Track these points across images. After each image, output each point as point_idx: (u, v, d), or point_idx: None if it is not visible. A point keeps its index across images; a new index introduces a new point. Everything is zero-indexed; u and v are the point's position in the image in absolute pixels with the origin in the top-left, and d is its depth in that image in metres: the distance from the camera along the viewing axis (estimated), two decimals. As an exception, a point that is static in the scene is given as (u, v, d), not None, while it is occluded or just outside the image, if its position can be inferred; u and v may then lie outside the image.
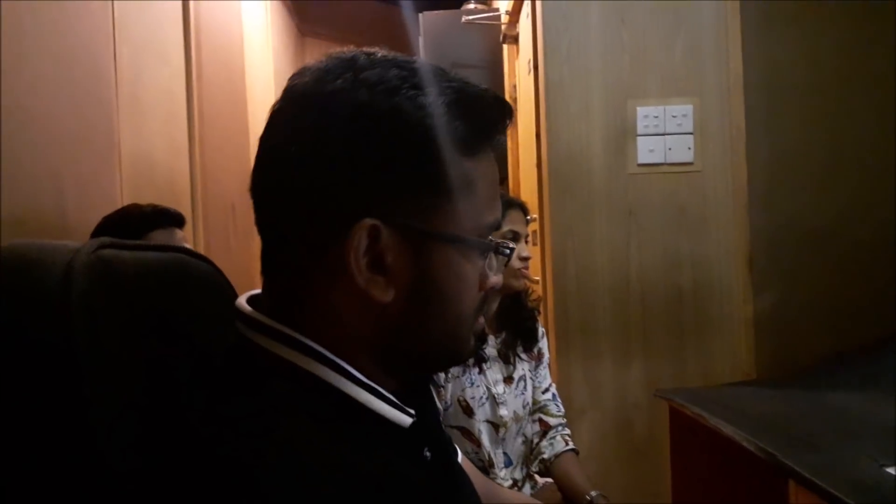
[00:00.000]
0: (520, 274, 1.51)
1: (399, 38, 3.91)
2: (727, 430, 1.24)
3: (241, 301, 0.61)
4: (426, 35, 3.10)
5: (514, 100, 2.92)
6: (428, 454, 0.62)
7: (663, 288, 2.01)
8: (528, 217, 2.19)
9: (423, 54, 3.12)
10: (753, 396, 1.47)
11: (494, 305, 1.57)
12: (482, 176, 0.60)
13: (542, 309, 2.11)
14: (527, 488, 1.57)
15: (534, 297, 1.66)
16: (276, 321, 0.57)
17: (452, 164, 0.57)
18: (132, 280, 0.62)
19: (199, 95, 2.13)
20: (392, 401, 0.58)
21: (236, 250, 2.42)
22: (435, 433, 0.68)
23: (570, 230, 2.02)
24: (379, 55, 0.59)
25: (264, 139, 0.59)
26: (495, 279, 0.63)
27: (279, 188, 0.58)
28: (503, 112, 0.62)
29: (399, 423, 0.58)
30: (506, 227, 1.51)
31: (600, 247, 2.01)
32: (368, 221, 0.55)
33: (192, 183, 2.09)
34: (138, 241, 0.72)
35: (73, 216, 1.35)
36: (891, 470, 1.00)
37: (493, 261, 0.63)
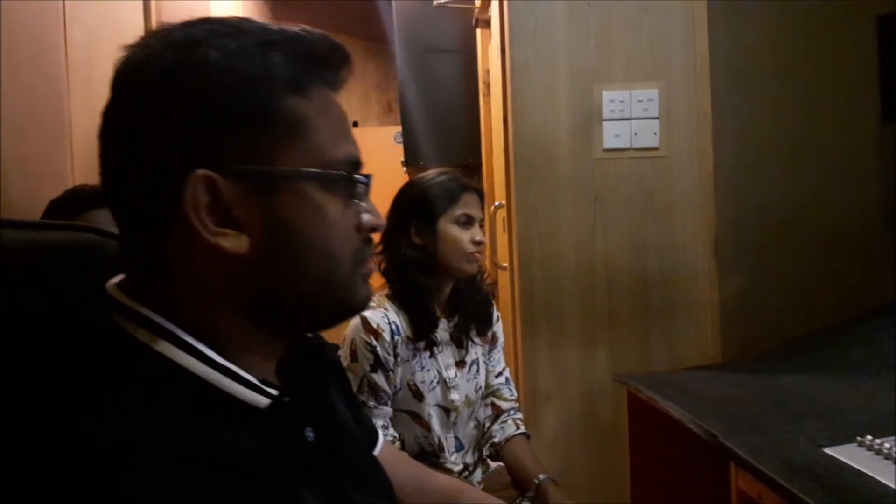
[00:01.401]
0: (472, 258, 1.50)
1: (375, 25, 3.88)
2: (676, 412, 1.24)
3: (112, 282, 0.60)
4: (399, 20, 3.08)
5: (488, 84, 2.90)
6: (311, 434, 0.61)
7: (629, 274, 2.00)
8: (498, 203, 2.19)
9: (396, 40, 3.10)
10: (709, 380, 1.47)
11: (447, 289, 1.55)
12: (318, 112, 0.60)
13: (511, 294, 2.10)
14: (478, 473, 1.56)
15: (489, 281, 1.65)
16: (134, 299, 0.56)
17: (275, 102, 0.57)
18: (15, 260, 0.61)
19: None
20: (247, 381, 0.56)
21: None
22: (325, 413, 0.67)
23: (535, 215, 2.00)
24: (194, 19, 0.60)
25: (100, 125, 0.59)
26: (372, 219, 0.63)
27: (114, 162, 0.58)
28: (329, 48, 0.62)
29: (254, 405, 0.56)
30: (460, 211, 1.50)
31: (566, 232, 2.00)
32: (200, 173, 0.54)
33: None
34: (42, 221, 0.71)
35: (16, 196, 1.33)
36: (828, 450, 0.99)
37: (362, 197, 0.63)
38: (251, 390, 0.56)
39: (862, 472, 0.90)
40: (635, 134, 2.00)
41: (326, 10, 3.96)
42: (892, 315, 1.52)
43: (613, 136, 2.00)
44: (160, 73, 0.56)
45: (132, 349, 0.54)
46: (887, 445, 0.96)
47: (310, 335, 0.70)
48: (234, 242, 0.56)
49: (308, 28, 0.61)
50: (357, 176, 0.62)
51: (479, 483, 1.51)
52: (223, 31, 0.57)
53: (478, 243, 1.49)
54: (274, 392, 0.57)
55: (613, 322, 2.00)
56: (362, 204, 0.63)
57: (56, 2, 1.55)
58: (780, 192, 1.97)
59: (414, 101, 3.07)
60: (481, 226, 1.54)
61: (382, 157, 3.73)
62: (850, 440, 1.01)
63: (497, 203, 2.38)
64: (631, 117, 1.99)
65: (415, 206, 1.50)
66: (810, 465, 0.93)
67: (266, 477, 0.50)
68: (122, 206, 0.59)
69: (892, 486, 0.86)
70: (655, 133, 2.00)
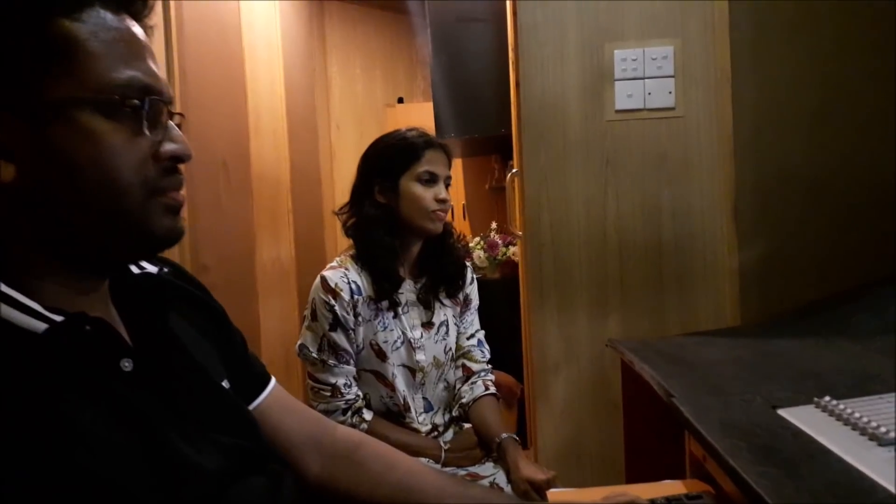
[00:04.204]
0: (435, 216, 1.47)
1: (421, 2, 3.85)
2: (646, 373, 1.19)
3: None
4: (430, -10, 3.05)
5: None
6: (128, 365, 0.61)
7: (642, 240, 1.94)
8: (515, 171, 2.13)
9: (427, 10, 3.07)
10: (699, 345, 1.40)
11: (415, 249, 1.53)
12: (92, 35, 0.59)
13: (520, 262, 2.07)
14: (449, 433, 1.54)
15: (462, 242, 1.62)
16: None
17: (40, 27, 0.56)
18: None
19: (179, 53, 2.15)
20: (26, 307, 0.56)
21: (229, 207, 2.45)
22: (156, 346, 0.67)
23: (544, 180, 1.96)
24: None
25: None
26: (174, 147, 0.62)
27: None
28: None
29: (32, 331, 0.56)
30: (422, 168, 1.48)
31: (576, 198, 1.95)
32: None
33: (173, 139, 2.11)
34: None
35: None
36: (781, 411, 0.93)
37: (158, 124, 0.61)
38: (30, 316, 0.56)
39: (802, 432, 0.84)
40: (649, 94, 1.92)
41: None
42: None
43: (626, 96, 1.92)
44: None
45: None
46: (842, 406, 0.89)
47: (158, 268, 0.71)
48: None
49: None
50: (134, 101, 0.60)
51: (446, 444, 1.50)
52: None
53: (441, 201, 1.47)
54: (58, 318, 0.57)
55: (626, 290, 1.94)
56: (168, 132, 0.62)
57: None
58: (803, 153, 1.85)
59: (444, 72, 3.04)
60: (447, 184, 1.51)
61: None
62: (810, 402, 0.95)
63: (514, 170, 2.33)
64: (644, 76, 1.91)
65: (378, 164, 1.49)
66: (751, 426, 0.88)
67: (18, 398, 0.50)
68: None
69: (828, 445, 0.80)
70: (670, 92, 1.91)
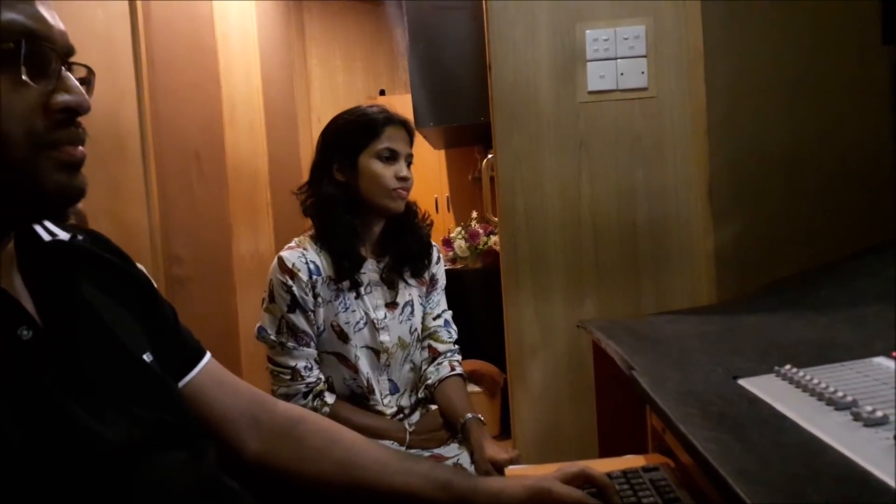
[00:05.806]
0: (396, 194, 1.44)
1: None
2: (611, 349, 1.17)
3: None
4: (407, -23, 3.02)
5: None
6: (26, 333, 0.58)
7: (617, 222, 1.91)
8: (491, 156, 2.11)
9: (404, -2, 3.04)
10: (670, 322, 1.38)
11: (377, 229, 1.51)
12: None
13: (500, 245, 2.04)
14: (416, 416, 1.52)
15: (428, 221, 1.59)
16: None
17: None
18: None
19: (146, 40, 2.11)
20: None
21: (202, 197, 2.42)
22: (61, 314, 0.64)
23: (518, 163, 1.93)
24: None
25: None
26: (67, 98, 0.59)
27: None
28: None
29: None
30: (382, 145, 1.45)
31: (550, 180, 1.92)
32: None
33: (141, 128, 2.08)
34: None
35: None
36: (741, 381, 0.91)
37: (50, 73, 0.58)
38: None
39: (759, 399, 0.82)
40: (621, 74, 1.89)
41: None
42: (871, 255, 1.39)
43: (598, 77, 1.90)
44: None
45: None
46: (801, 374, 0.87)
47: (71, 235, 0.68)
48: None
49: None
50: (9, 44, 0.57)
51: (412, 425, 1.47)
52: None
53: (402, 179, 1.44)
54: None
55: (601, 273, 1.92)
56: (62, 82, 0.59)
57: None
58: (778, 132, 1.83)
59: (422, 59, 3.01)
60: (409, 162, 1.48)
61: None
62: (772, 371, 0.92)
63: (490, 156, 2.31)
64: (616, 56, 1.89)
65: (337, 141, 1.46)
66: (708, 395, 0.86)
67: None
68: None
69: (783, 410, 0.77)
70: (643, 72, 1.89)
